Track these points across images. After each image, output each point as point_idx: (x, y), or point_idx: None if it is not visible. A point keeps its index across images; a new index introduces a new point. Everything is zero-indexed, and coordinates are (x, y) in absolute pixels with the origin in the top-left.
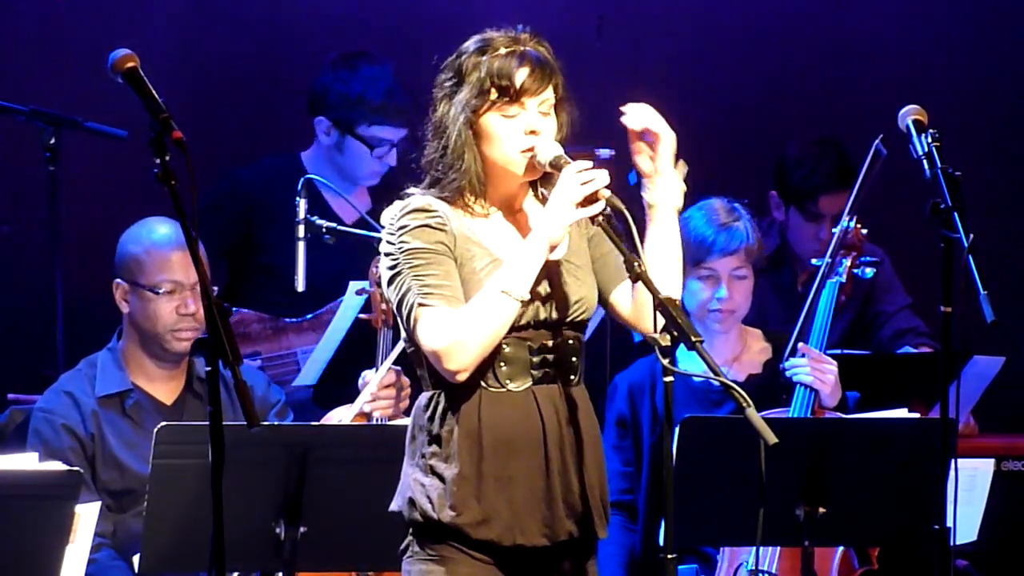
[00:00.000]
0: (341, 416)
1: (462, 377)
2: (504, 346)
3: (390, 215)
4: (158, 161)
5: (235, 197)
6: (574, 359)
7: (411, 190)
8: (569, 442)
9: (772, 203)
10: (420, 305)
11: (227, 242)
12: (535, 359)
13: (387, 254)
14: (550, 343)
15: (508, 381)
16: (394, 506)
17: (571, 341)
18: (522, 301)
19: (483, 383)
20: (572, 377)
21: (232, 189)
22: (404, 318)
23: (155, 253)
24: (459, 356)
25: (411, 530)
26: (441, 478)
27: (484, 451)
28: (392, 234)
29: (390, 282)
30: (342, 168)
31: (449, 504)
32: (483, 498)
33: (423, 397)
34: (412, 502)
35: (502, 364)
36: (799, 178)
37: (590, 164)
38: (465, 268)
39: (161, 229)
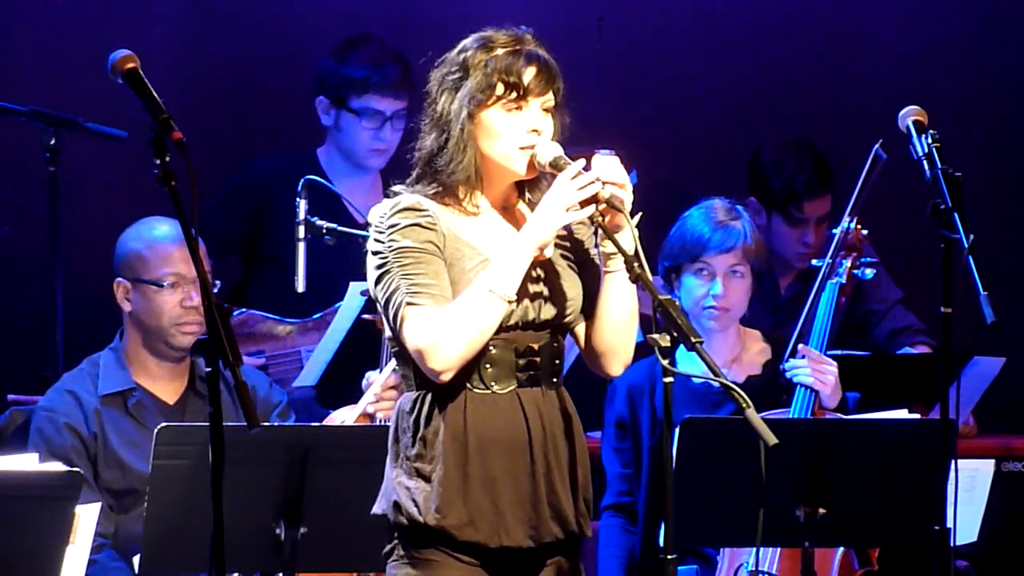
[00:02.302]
0: (344, 417)
1: (446, 377)
2: (491, 347)
3: (379, 213)
4: (158, 162)
5: (250, 187)
6: (557, 361)
7: (398, 187)
8: (553, 444)
9: (751, 208)
10: (408, 304)
11: (243, 232)
12: (521, 361)
13: (375, 252)
14: (536, 345)
15: (493, 383)
16: (377, 509)
17: (555, 344)
18: (509, 301)
19: (469, 385)
20: (555, 379)
21: (247, 179)
22: (391, 317)
23: (157, 248)
24: (443, 355)
25: (395, 533)
26: (426, 480)
27: (469, 453)
28: (381, 232)
29: (378, 280)
30: (346, 151)
31: (435, 506)
32: (468, 500)
33: (407, 399)
34: (397, 505)
35: (488, 366)
36: (780, 184)
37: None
38: (455, 268)
39: (161, 226)
